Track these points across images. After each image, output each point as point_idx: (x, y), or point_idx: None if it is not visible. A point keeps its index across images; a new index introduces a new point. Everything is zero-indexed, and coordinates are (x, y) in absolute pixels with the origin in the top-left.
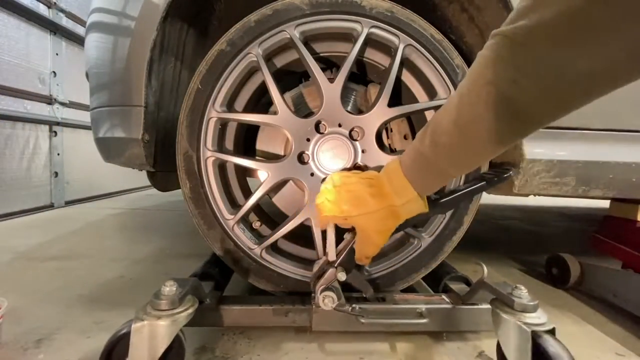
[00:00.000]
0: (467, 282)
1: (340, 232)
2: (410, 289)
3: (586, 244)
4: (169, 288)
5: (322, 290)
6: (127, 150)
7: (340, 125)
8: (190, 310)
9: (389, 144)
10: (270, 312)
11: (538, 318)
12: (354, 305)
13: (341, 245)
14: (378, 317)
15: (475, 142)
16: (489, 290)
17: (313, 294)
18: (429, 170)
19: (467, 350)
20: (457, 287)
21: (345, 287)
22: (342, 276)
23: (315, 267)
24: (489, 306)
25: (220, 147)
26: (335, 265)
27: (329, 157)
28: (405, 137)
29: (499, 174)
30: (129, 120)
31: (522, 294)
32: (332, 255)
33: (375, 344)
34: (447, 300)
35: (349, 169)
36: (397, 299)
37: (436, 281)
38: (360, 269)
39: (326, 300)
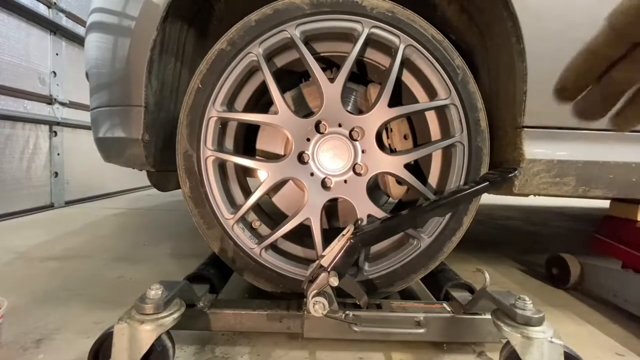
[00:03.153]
0: (470, 289)
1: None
2: (410, 296)
3: (586, 244)
4: (155, 292)
5: (314, 296)
6: (127, 150)
7: (340, 125)
8: (175, 315)
9: (389, 144)
10: (264, 318)
11: (542, 332)
12: (347, 312)
13: (335, 247)
14: (373, 325)
15: None
16: (491, 300)
17: (305, 299)
18: None
19: (467, 350)
20: (460, 294)
21: (341, 292)
22: (334, 281)
23: (309, 271)
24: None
25: (220, 146)
26: (328, 269)
27: (329, 157)
28: (405, 137)
29: (502, 174)
30: (129, 120)
31: (526, 306)
32: (326, 260)
33: (380, 346)
34: (448, 308)
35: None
36: (394, 306)
37: (438, 288)
38: (357, 272)
39: (317, 307)
